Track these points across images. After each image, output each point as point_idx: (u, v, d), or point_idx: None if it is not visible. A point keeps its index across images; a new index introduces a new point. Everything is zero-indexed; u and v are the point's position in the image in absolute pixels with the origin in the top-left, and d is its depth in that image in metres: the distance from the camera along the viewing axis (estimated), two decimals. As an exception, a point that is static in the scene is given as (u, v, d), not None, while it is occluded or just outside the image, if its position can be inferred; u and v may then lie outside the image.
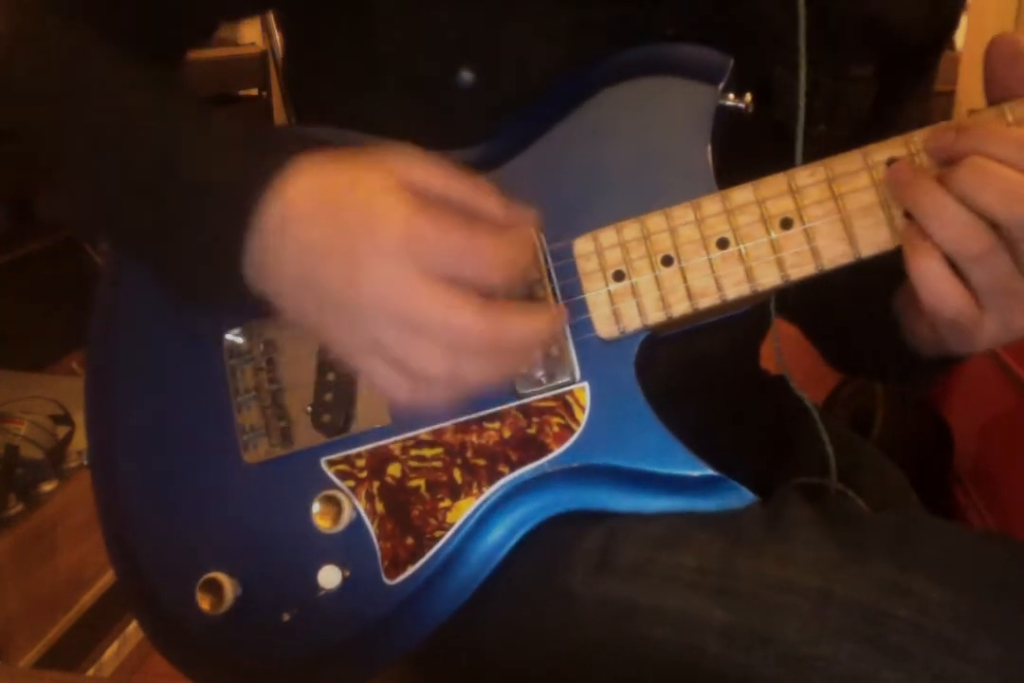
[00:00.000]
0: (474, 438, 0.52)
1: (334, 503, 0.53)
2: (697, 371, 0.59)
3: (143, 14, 0.56)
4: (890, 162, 0.46)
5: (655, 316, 0.49)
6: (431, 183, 0.43)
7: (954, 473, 1.67)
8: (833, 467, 0.59)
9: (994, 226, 0.42)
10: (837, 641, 0.43)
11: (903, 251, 0.45)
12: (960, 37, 1.91)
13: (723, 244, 0.48)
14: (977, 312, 0.44)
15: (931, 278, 0.43)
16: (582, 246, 0.51)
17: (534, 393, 0.51)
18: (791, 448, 0.67)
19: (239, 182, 0.44)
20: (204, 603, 0.55)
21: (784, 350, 0.66)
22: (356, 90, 0.59)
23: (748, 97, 0.50)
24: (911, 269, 0.44)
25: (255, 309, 0.46)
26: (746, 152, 0.50)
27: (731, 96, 0.50)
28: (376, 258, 0.41)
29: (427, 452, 0.53)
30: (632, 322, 0.50)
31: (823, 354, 0.74)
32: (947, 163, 0.43)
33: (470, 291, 0.41)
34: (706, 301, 0.49)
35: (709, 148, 0.50)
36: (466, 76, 0.53)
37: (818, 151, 0.50)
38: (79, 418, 1.38)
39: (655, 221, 0.49)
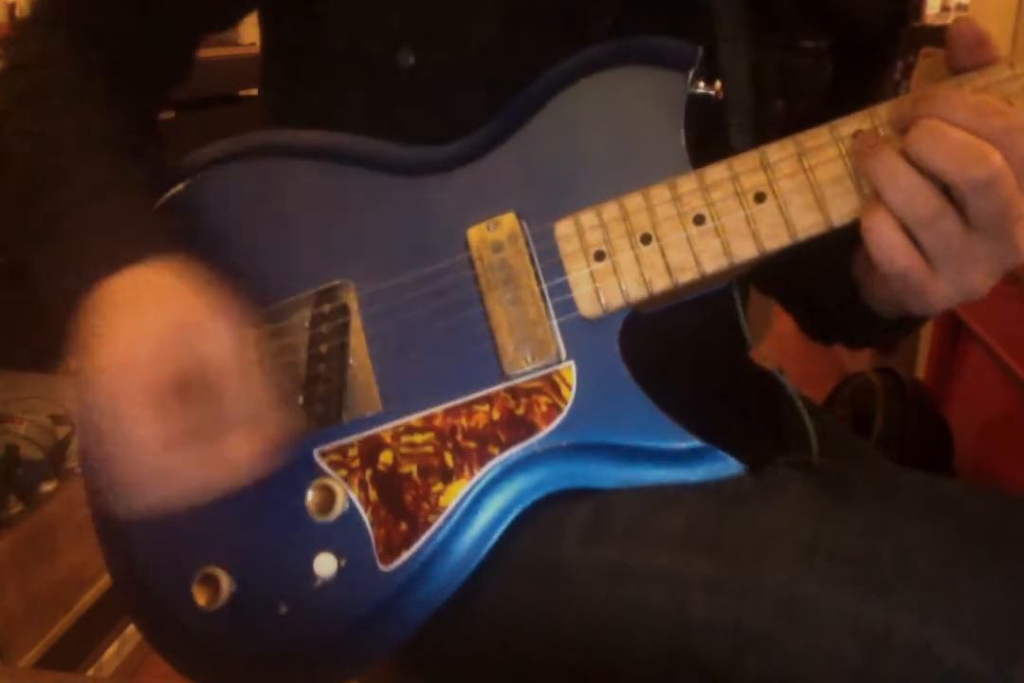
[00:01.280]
0: (464, 421, 0.53)
1: (327, 493, 0.54)
2: (681, 350, 0.59)
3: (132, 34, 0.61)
4: (856, 135, 0.47)
5: (637, 293, 0.50)
6: (197, 359, 0.48)
7: (954, 473, 1.67)
8: (814, 443, 0.59)
9: (945, 190, 0.43)
10: (822, 585, 0.44)
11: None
12: (960, 37, 1.91)
13: (700, 220, 0.49)
14: (928, 272, 0.45)
15: (879, 234, 0.45)
16: (563, 228, 0.52)
17: (521, 374, 0.52)
18: (782, 434, 0.67)
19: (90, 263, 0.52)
20: (201, 598, 0.55)
21: (783, 349, 0.66)
22: (317, 82, 0.61)
23: (718, 84, 0.52)
24: (862, 227, 0.45)
25: None
26: (705, 131, 0.52)
27: (701, 84, 0.52)
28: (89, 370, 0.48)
29: (418, 438, 0.53)
30: (615, 300, 0.51)
31: (797, 322, 0.75)
32: (906, 131, 0.45)
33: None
34: (686, 276, 0.50)
35: (682, 132, 0.51)
36: (409, 58, 0.55)
37: (781, 128, 0.51)
38: (79, 418, 1.37)
39: (633, 201, 0.51)
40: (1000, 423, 1.57)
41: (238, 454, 0.48)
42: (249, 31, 2.04)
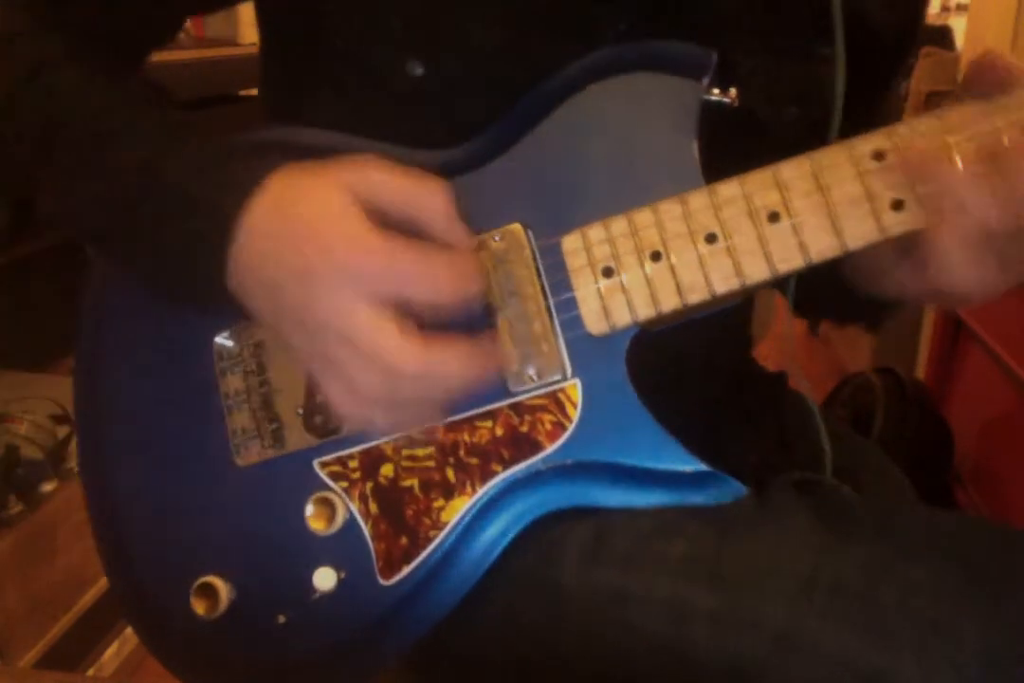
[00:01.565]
0: (466, 437, 0.52)
1: (327, 505, 0.53)
2: (685, 364, 0.59)
3: (107, 12, 0.57)
4: (876, 154, 0.46)
5: (645, 312, 0.49)
6: (385, 199, 0.46)
7: (954, 473, 1.67)
8: (828, 464, 0.59)
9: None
10: (823, 622, 0.44)
11: (925, 228, 0.45)
12: (960, 37, 1.91)
13: (711, 238, 0.48)
14: (976, 278, 0.45)
15: (950, 252, 0.44)
16: (570, 243, 0.51)
17: (526, 391, 0.51)
18: (788, 443, 0.67)
19: (219, 196, 0.47)
20: (199, 607, 0.55)
21: (783, 349, 0.66)
22: (318, 85, 0.59)
23: (733, 92, 0.50)
24: (929, 241, 0.44)
25: (239, 311, 0.49)
26: (718, 142, 0.50)
27: (716, 91, 0.50)
28: (327, 282, 0.44)
29: (419, 452, 0.53)
30: (622, 318, 0.50)
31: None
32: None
33: (413, 320, 0.44)
34: (695, 296, 0.48)
35: (695, 143, 0.49)
36: (416, 67, 0.53)
37: (793, 135, 0.50)
38: (79, 418, 1.37)
39: (643, 216, 0.49)
40: (1000, 423, 1.58)
41: (464, 276, 0.45)
42: (249, 31, 2.04)
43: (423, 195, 0.46)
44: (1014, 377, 1.42)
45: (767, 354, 0.76)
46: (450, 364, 0.45)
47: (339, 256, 0.44)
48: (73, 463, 1.35)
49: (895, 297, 0.53)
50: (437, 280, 0.44)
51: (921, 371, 1.88)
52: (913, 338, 1.92)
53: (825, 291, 0.61)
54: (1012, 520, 1.47)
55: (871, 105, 0.64)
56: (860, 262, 0.52)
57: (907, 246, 0.46)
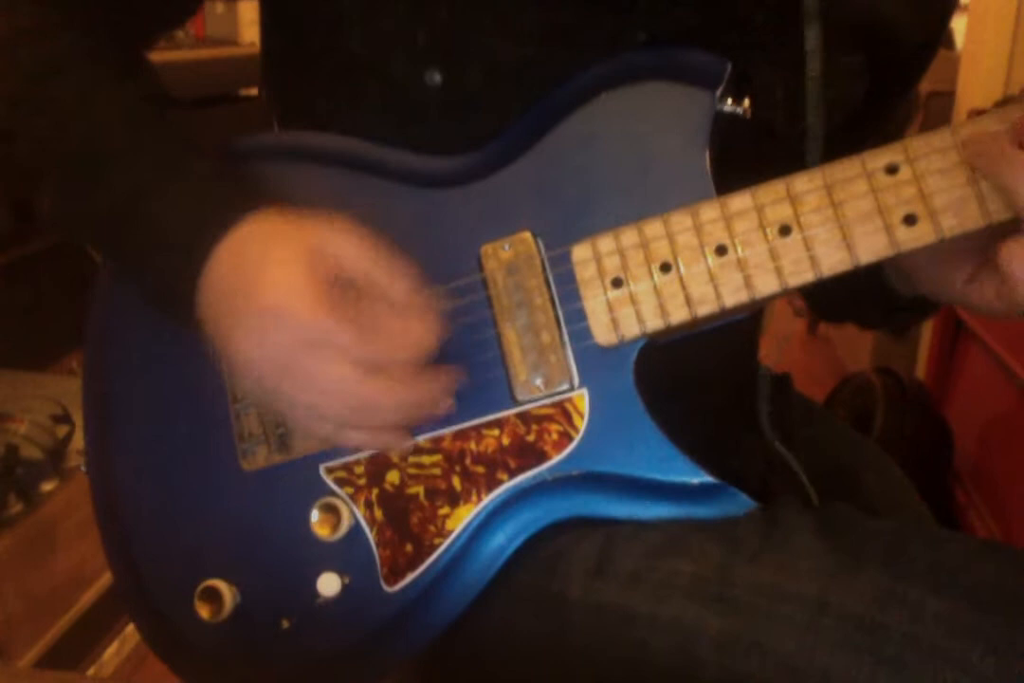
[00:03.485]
0: (473, 445, 0.52)
1: (333, 511, 0.53)
2: (693, 374, 0.59)
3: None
4: (889, 168, 0.45)
5: (654, 324, 0.49)
6: (347, 271, 0.47)
7: (954, 473, 1.67)
8: (813, 495, 0.59)
9: None
10: (832, 651, 0.44)
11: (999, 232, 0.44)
12: (959, 37, 1.91)
13: (722, 251, 0.48)
14: None
15: None
16: (580, 253, 0.51)
17: (533, 400, 0.51)
18: (793, 447, 0.67)
19: (193, 239, 0.50)
20: (204, 611, 0.55)
21: (785, 350, 0.66)
22: (332, 89, 0.59)
23: (747, 102, 0.50)
24: (1006, 255, 0.43)
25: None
26: (732, 152, 0.50)
27: (729, 101, 0.50)
28: (242, 325, 0.47)
29: (426, 459, 0.53)
30: (631, 330, 0.50)
31: (809, 304, 0.76)
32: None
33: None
34: (705, 308, 0.48)
35: (707, 153, 0.49)
36: (435, 76, 0.53)
37: (807, 145, 0.50)
38: (79, 418, 1.37)
39: (653, 227, 0.49)
40: (1000, 423, 1.57)
41: (417, 336, 0.47)
42: (249, 31, 2.04)
43: (385, 277, 0.48)
44: (1014, 377, 1.42)
45: (766, 353, 0.76)
46: (388, 393, 0.47)
47: (259, 304, 0.46)
48: (73, 463, 1.35)
49: (970, 305, 0.52)
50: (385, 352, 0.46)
51: (921, 371, 1.88)
52: (913, 338, 1.92)
53: (849, 295, 0.60)
54: (1012, 519, 1.47)
55: (891, 110, 0.64)
56: (924, 269, 0.51)
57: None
